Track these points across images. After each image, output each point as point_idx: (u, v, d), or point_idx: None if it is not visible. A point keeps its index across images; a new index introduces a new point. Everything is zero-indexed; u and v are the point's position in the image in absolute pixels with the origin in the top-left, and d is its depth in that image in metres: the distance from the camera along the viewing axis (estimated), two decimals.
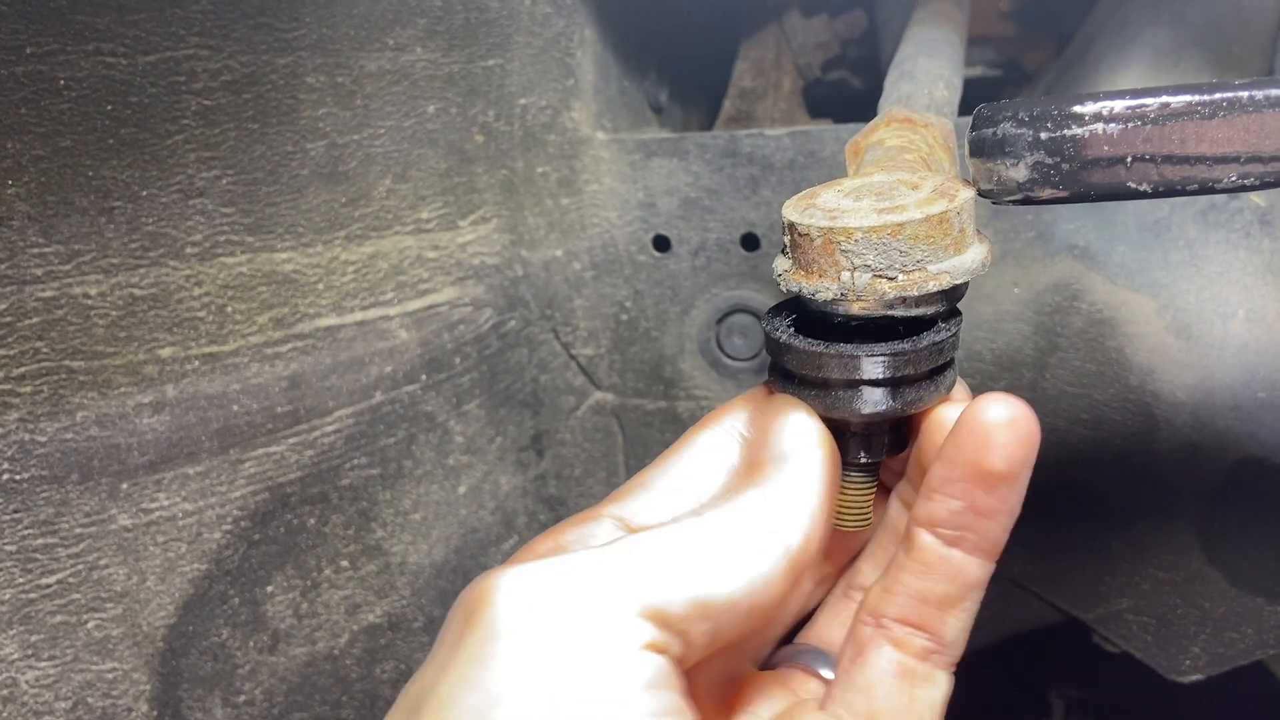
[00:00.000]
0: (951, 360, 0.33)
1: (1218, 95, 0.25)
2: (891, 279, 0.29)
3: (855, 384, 0.31)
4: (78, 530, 0.44)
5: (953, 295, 0.31)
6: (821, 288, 0.30)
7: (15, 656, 0.42)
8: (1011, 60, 0.93)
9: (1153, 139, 0.26)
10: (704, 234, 0.56)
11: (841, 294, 0.30)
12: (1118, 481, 0.50)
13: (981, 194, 0.30)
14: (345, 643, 0.53)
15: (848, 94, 0.75)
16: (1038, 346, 0.51)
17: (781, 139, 0.53)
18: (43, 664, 0.43)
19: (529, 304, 0.57)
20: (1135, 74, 0.65)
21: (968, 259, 0.30)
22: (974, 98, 0.86)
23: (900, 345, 0.30)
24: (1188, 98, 0.26)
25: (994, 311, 0.51)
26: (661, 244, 0.57)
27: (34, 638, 0.43)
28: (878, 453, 0.33)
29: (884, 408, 0.31)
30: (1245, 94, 0.25)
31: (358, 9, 0.47)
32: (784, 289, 0.31)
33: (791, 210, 0.31)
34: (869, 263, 0.29)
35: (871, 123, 0.40)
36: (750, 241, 0.55)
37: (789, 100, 0.68)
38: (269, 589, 0.50)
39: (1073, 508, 0.52)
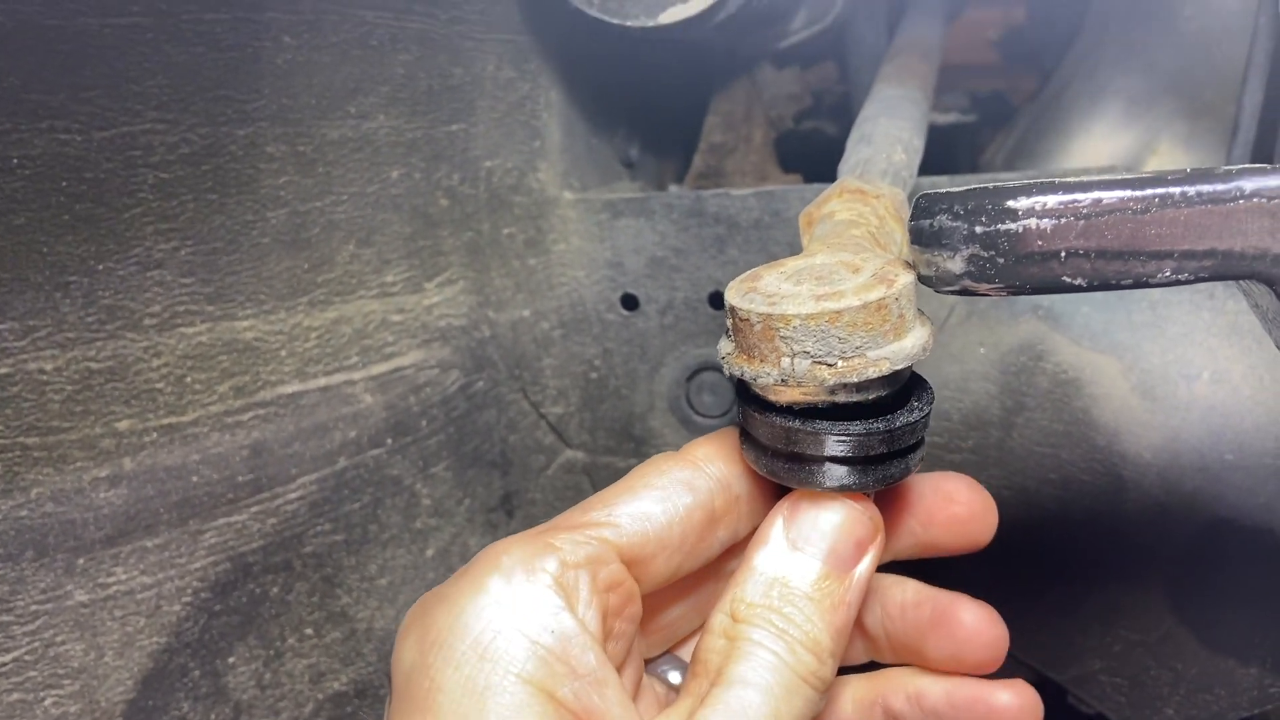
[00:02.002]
0: (922, 440, 0.32)
1: (1149, 191, 0.25)
2: (831, 365, 0.29)
3: (822, 460, 0.31)
4: (33, 607, 0.43)
5: (894, 380, 0.31)
6: (762, 373, 0.30)
7: None
8: (996, 92, 0.94)
9: (1086, 234, 0.26)
10: (671, 292, 0.56)
11: (782, 379, 0.30)
12: (1087, 541, 0.50)
13: (922, 281, 0.30)
14: (310, 712, 0.52)
15: (821, 142, 0.76)
16: (1004, 406, 0.50)
17: (748, 199, 0.53)
18: None
19: (497, 364, 0.57)
20: (1108, 121, 0.66)
21: (907, 344, 0.29)
22: (954, 142, 0.86)
23: (874, 424, 0.30)
24: (1120, 193, 0.26)
25: (961, 371, 0.51)
26: (630, 303, 0.56)
27: None
28: None
29: (850, 483, 0.31)
30: (1177, 190, 0.25)
31: (318, 78, 0.47)
32: (727, 373, 0.31)
33: (733, 294, 0.31)
34: (808, 349, 0.29)
35: (825, 192, 0.40)
36: (718, 300, 0.55)
37: (760, 153, 0.68)
38: (231, 660, 0.49)
39: (1043, 568, 0.51)
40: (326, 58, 0.47)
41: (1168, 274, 0.26)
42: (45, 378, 0.43)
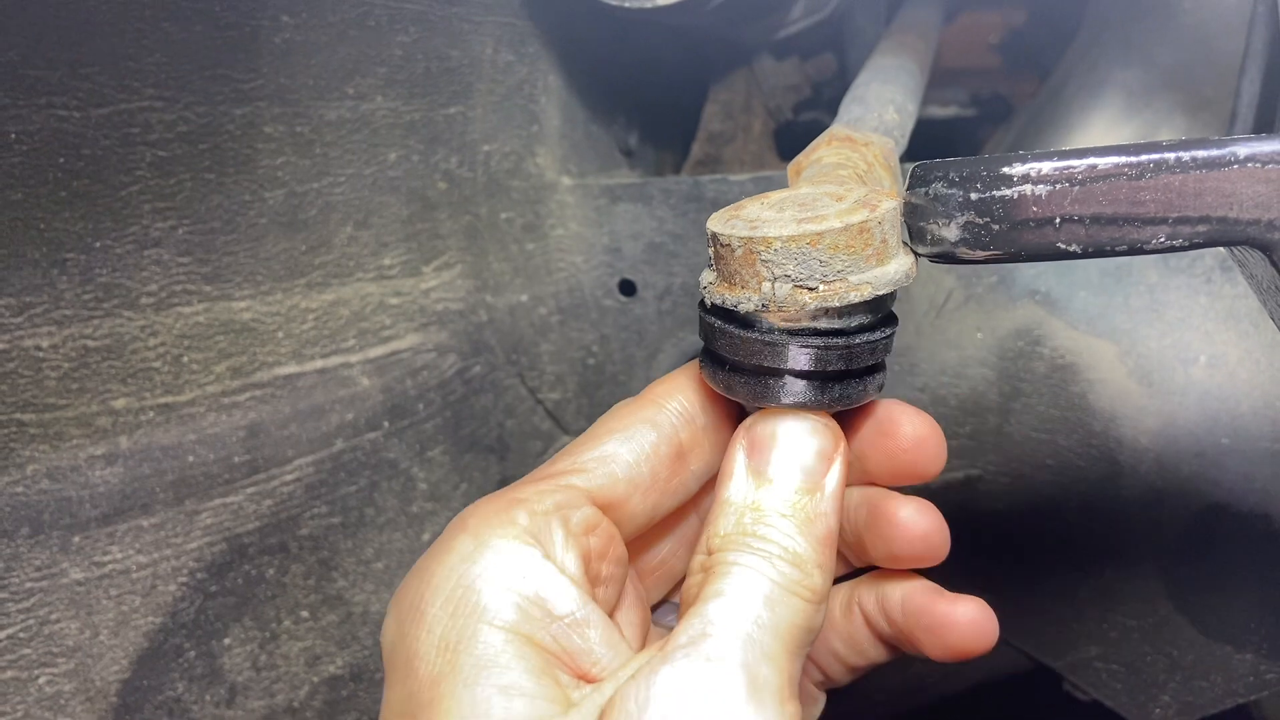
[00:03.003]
0: (882, 364, 0.32)
1: (1144, 157, 0.25)
2: (812, 289, 0.29)
3: (780, 373, 0.30)
4: (28, 584, 0.43)
5: (876, 306, 0.31)
6: (743, 299, 0.30)
7: None
8: (997, 94, 0.94)
9: (1081, 200, 0.26)
10: (669, 278, 0.56)
11: (763, 304, 0.29)
12: (1083, 527, 0.50)
13: (917, 253, 0.30)
14: (305, 695, 0.52)
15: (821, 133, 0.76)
16: (1001, 392, 0.50)
17: (745, 184, 0.53)
18: None
19: (494, 349, 0.57)
20: (1107, 115, 0.66)
21: (890, 270, 0.29)
22: (952, 137, 0.86)
23: (833, 339, 0.30)
24: (1115, 159, 0.26)
25: (958, 357, 0.51)
26: (627, 288, 0.56)
27: None
28: None
29: (806, 399, 0.30)
30: (1172, 155, 0.25)
31: (316, 59, 0.47)
32: (707, 302, 0.31)
33: (716, 222, 0.31)
34: (789, 273, 0.29)
35: (813, 142, 0.40)
36: (628, 287, 0.55)
37: (759, 143, 0.68)
38: (226, 641, 0.49)
39: (1039, 553, 0.51)
40: (324, 37, 0.47)
41: (1162, 240, 0.26)
42: (42, 354, 0.43)
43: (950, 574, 0.53)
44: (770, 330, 0.30)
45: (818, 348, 0.29)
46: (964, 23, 0.89)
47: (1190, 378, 0.46)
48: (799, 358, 0.30)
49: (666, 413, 0.33)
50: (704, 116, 0.68)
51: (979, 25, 0.90)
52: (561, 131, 0.57)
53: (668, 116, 0.71)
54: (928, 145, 0.49)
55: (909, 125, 0.45)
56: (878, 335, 0.31)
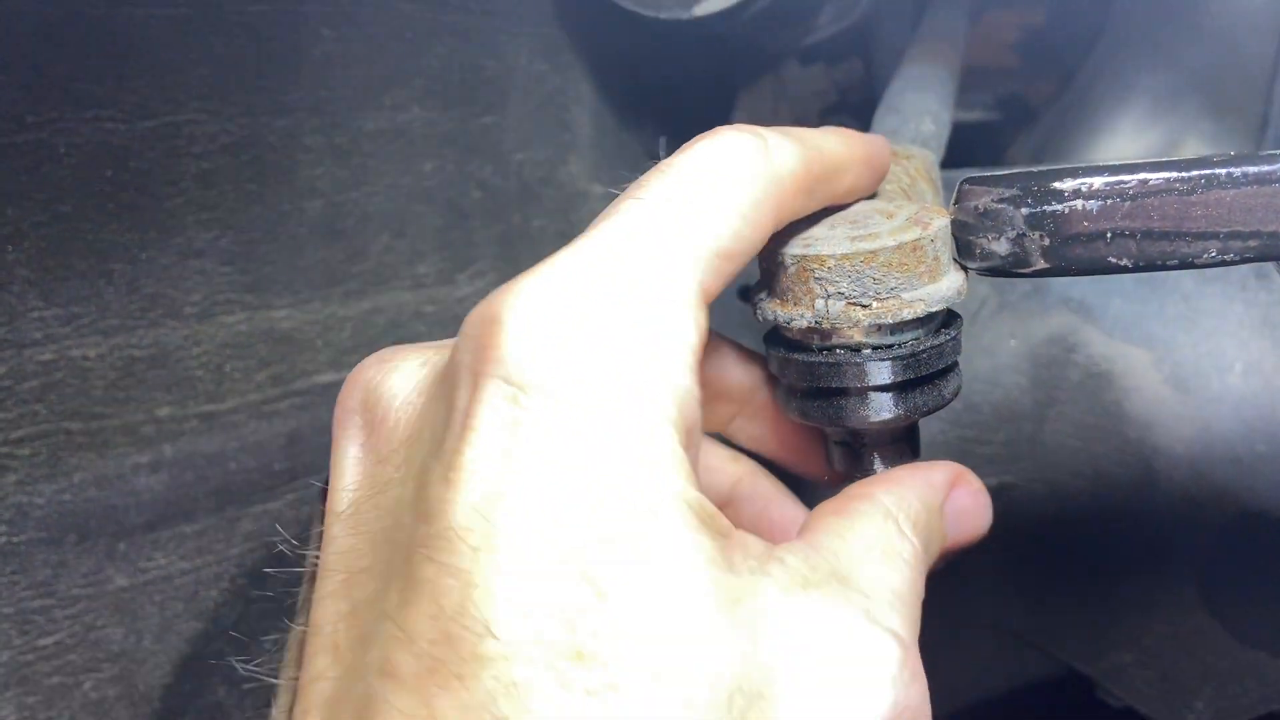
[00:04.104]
0: (955, 364, 0.33)
1: (1195, 172, 0.26)
2: (865, 306, 0.29)
3: (863, 391, 0.31)
4: (74, 591, 0.44)
5: (928, 323, 0.31)
6: (796, 315, 0.30)
7: (13, 719, 0.42)
8: (1014, 95, 0.94)
9: (1132, 215, 0.26)
10: None
11: (816, 322, 0.30)
12: (1118, 534, 0.50)
13: (965, 267, 0.30)
14: None
15: None
16: (1036, 399, 0.50)
17: None
18: None
19: None
20: (1133, 120, 0.66)
21: (942, 287, 0.30)
22: (976, 142, 0.86)
23: (904, 349, 0.30)
24: (1166, 174, 0.26)
25: (991, 364, 0.51)
26: None
27: (30, 699, 0.43)
28: (893, 464, 0.33)
29: (890, 415, 0.31)
30: (1223, 171, 0.26)
31: (355, 71, 0.48)
32: (760, 318, 0.32)
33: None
34: (843, 290, 0.29)
35: None
36: (746, 293, 0.55)
37: None
38: (267, 647, 0.50)
39: (1073, 560, 0.52)
40: (363, 50, 0.47)
41: (1213, 255, 0.26)
42: (89, 364, 0.43)
43: (982, 581, 0.53)
44: (839, 349, 0.30)
45: (895, 358, 0.30)
46: (982, 23, 0.89)
47: (1226, 385, 0.47)
48: (880, 371, 0.30)
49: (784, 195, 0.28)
50: (731, 123, 0.69)
51: (996, 25, 0.90)
52: (593, 140, 0.57)
53: (695, 123, 0.71)
54: (949, 147, 0.50)
55: (945, 135, 0.46)
56: (947, 336, 0.31)
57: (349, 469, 0.28)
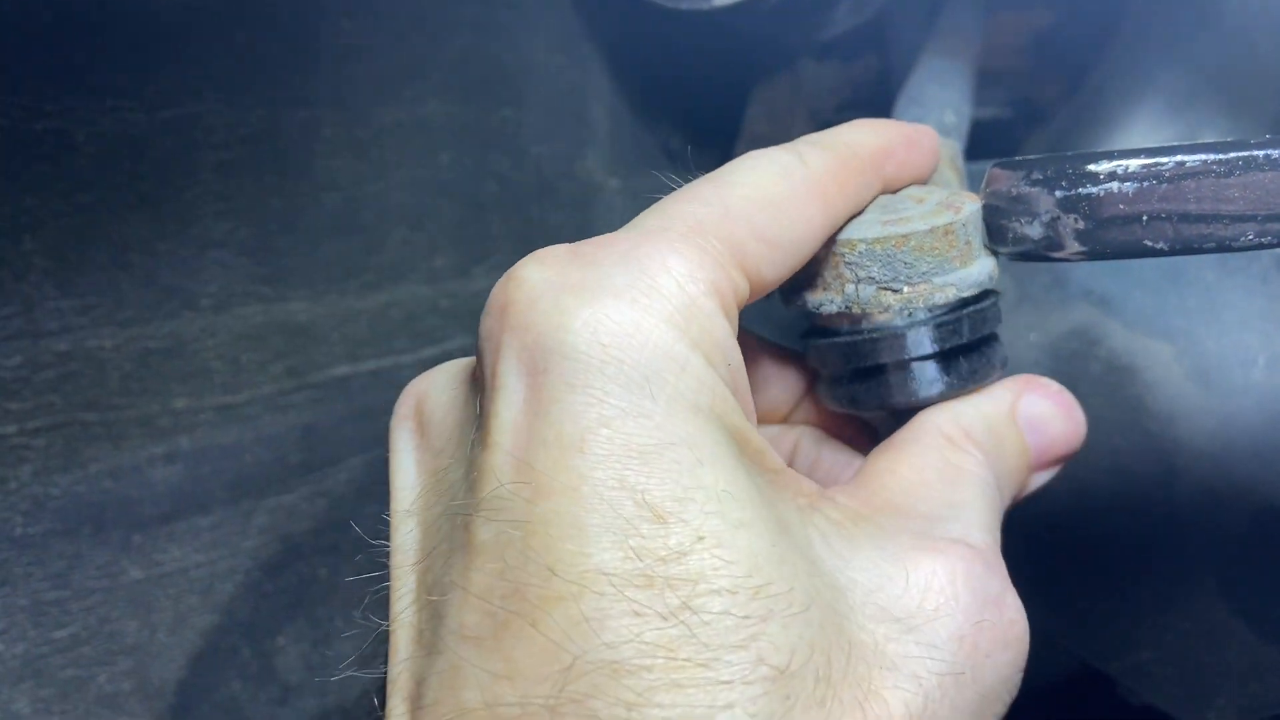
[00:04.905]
0: (996, 335, 0.32)
1: (1233, 154, 0.25)
2: (896, 291, 0.29)
3: (906, 364, 0.30)
4: (89, 583, 0.44)
5: (960, 308, 0.31)
6: (826, 300, 0.30)
7: (27, 712, 0.42)
8: (1024, 97, 0.94)
9: (1169, 198, 0.26)
10: None
11: (846, 307, 0.30)
12: (1138, 530, 0.50)
13: (997, 252, 0.30)
14: (357, 695, 0.52)
15: None
16: None
17: None
18: (53, 719, 0.43)
19: None
20: (1149, 117, 0.65)
21: (974, 271, 0.30)
22: (989, 139, 0.86)
23: (944, 319, 0.30)
24: (1203, 156, 0.26)
25: (1011, 358, 0.51)
26: None
27: (45, 692, 0.43)
28: None
29: (941, 386, 0.30)
30: (1261, 153, 0.25)
31: (375, 63, 0.48)
32: (786, 305, 0.32)
33: None
34: (873, 275, 0.29)
35: None
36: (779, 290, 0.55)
37: None
38: (280, 641, 0.49)
39: (1094, 556, 0.51)
40: (382, 42, 0.47)
41: (1250, 238, 0.26)
42: (105, 355, 0.43)
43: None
44: (878, 326, 0.30)
45: (938, 325, 0.30)
46: (995, 23, 0.88)
47: (1248, 379, 0.46)
48: (921, 341, 0.30)
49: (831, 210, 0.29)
50: (746, 119, 0.69)
51: (1007, 26, 0.90)
52: (610, 134, 0.57)
53: (711, 118, 0.71)
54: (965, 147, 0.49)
55: (966, 127, 0.46)
56: (988, 303, 0.31)
57: (407, 469, 0.29)
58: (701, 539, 0.21)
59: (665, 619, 0.20)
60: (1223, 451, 0.47)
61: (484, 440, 0.23)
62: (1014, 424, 0.31)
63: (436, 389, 0.28)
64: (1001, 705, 0.26)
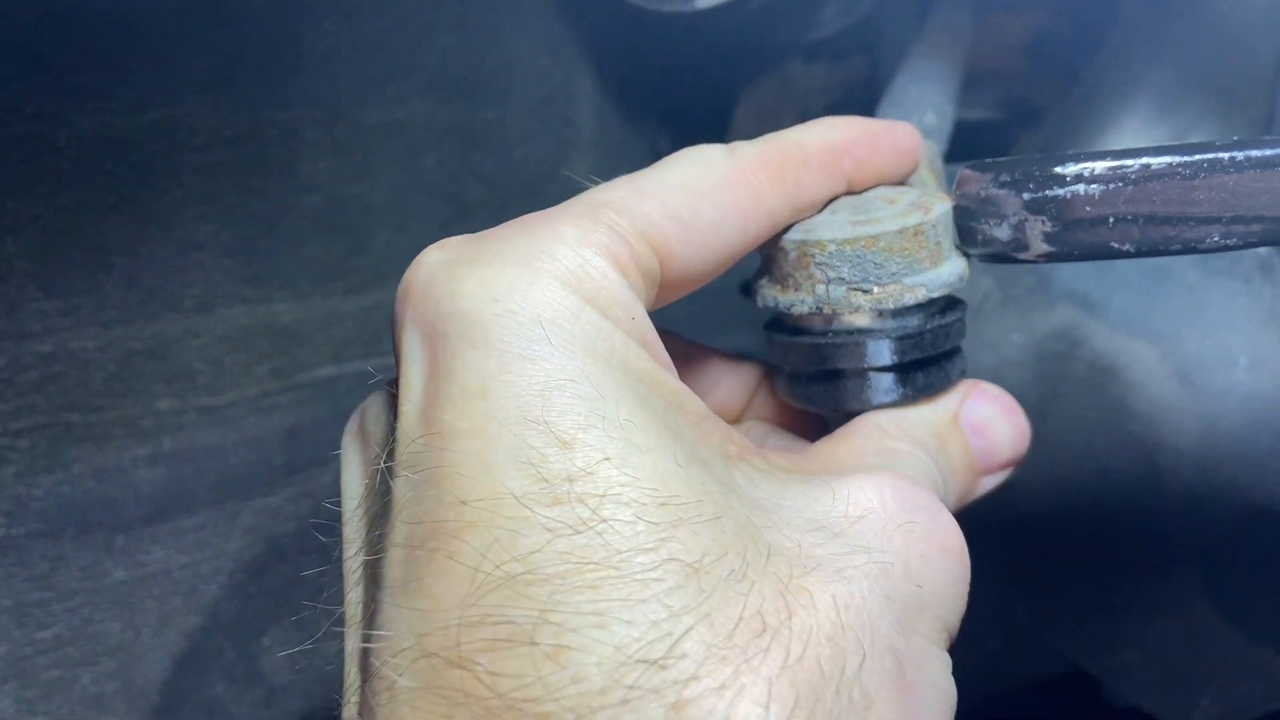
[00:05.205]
0: (958, 349, 0.33)
1: (1198, 156, 0.25)
2: (866, 292, 0.29)
3: (864, 372, 0.31)
4: (73, 584, 0.44)
5: (929, 309, 0.31)
6: (796, 301, 0.30)
7: (10, 712, 0.42)
8: (1020, 98, 0.94)
9: (1134, 200, 0.26)
10: None
11: (817, 307, 0.30)
12: (1122, 531, 0.50)
13: (967, 254, 0.30)
14: (343, 698, 0.52)
15: None
16: (1040, 394, 0.50)
17: None
18: (37, 719, 0.43)
19: None
20: (1139, 115, 0.65)
21: (944, 272, 0.30)
22: (981, 141, 0.86)
23: (907, 330, 0.30)
24: (1169, 159, 0.26)
25: (995, 358, 0.51)
26: None
27: (28, 693, 0.43)
28: None
29: (895, 396, 0.31)
30: (1226, 155, 0.25)
31: (357, 64, 0.48)
32: (759, 304, 0.32)
33: None
34: (844, 276, 0.29)
35: None
36: (747, 288, 0.55)
37: None
38: (265, 642, 0.49)
39: (1078, 557, 0.51)
40: (365, 43, 0.47)
41: (1216, 239, 0.26)
42: (87, 356, 0.43)
43: (987, 578, 0.52)
44: (842, 331, 0.30)
45: (897, 338, 0.30)
46: (986, 25, 0.88)
47: (1231, 380, 0.46)
48: (880, 351, 0.30)
49: (761, 211, 0.29)
50: (734, 119, 0.69)
51: (1002, 27, 0.89)
52: (595, 136, 0.57)
53: (698, 120, 0.71)
54: (954, 148, 0.49)
55: (947, 129, 0.45)
56: (953, 318, 0.31)
57: (353, 474, 0.30)
58: (608, 459, 0.22)
59: (576, 530, 0.21)
60: (1206, 452, 0.47)
61: (398, 411, 0.24)
62: (957, 427, 0.31)
63: (377, 403, 0.29)
64: (946, 613, 0.25)
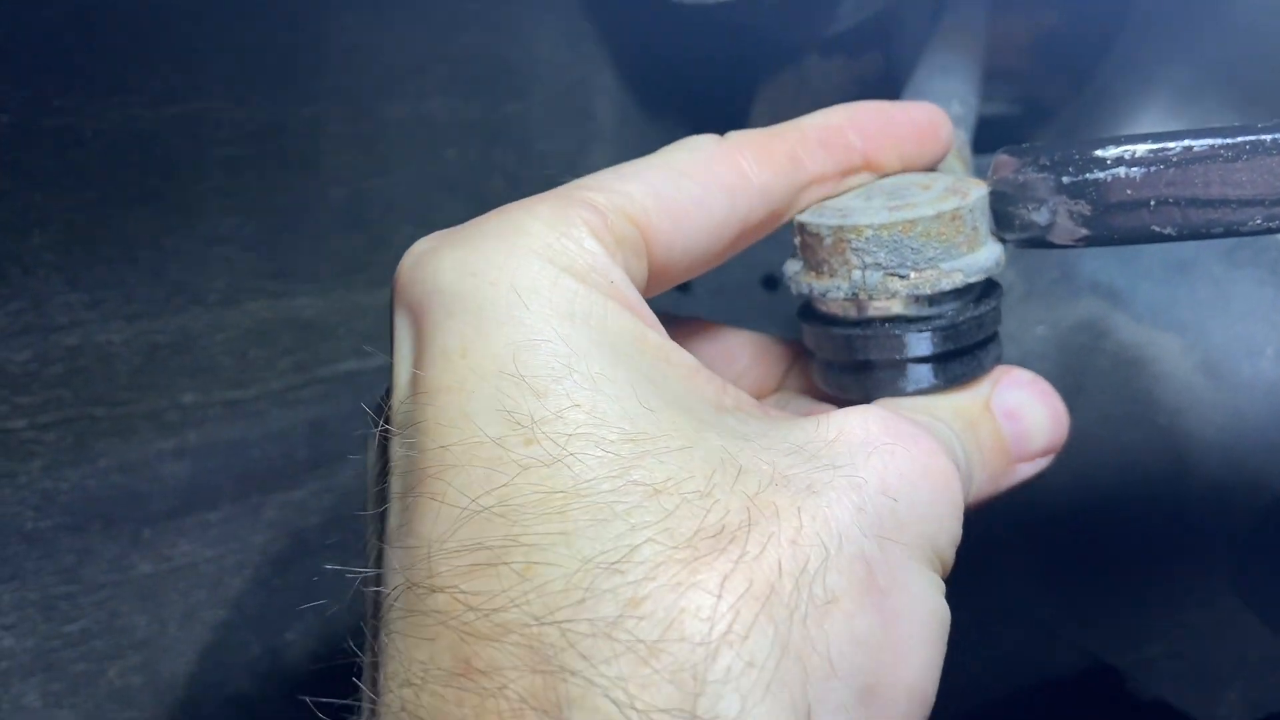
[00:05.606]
0: (995, 335, 0.32)
1: (1241, 139, 0.25)
2: (903, 277, 0.29)
3: (897, 363, 0.30)
4: (99, 578, 0.44)
5: (966, 294, 0.31)
6: (832, 287, 0.30)
7: (37, 705, 0.42)
8: (1031, 94, 0.93)
9: (1176, 182, 0.26)
10: (723, 275, 0.56)
11: (853, 293, 0.30)
12: (1148, 524, 0.50)
13: (1003, 239, 0.30)
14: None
15: None
16: (1064, 387, 0.50)
17: None
18: (64, 713, 0.43)
19: None
20: (1155, 111, 0.65)
21: (981, 257, 0.30)
22: (995, 136, 0.86)
23: (941, 320, 0.30)
24: (1211, 141, 0.25)
25: (1019, 352, 0.51)
26: (681, 285, 0.57)
27: (55, 686, 0.43)
28: None
29: (928, 384, 0.30)
30: (1269, 137, 0.25)
31: (381, 58, 0.48)
32: (794, 291, 0.31)
33: (804, 212, 0.31)
34: (880, 261, 0.29)
35: None
36: (771, 282, 0.55)
37: None
38: (288, 636, 0.49)
39: (1102, 551, 0.51)
40: (388, 37, 0.47)
41: (1259, 221, 0.26)
42: (113, 349, 0.43)
43: (1011, 571, 0.52)
44: (875, 321, 0.30)
45: (935, 329, 0.30)
46: (998, 20, 0.88)
47: (1258, 370, 0.46)
48: (915, 343, 0.30)
49: (749, 191, 0.29)
50: (752, 115, 0.69)
51: (1013, 22, 0.89)
52: (616, 130, 0.57)
53: (716, 114, 0.71)
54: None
55: (972, 120, 0.45)
56: (987, 307, 0.31)
57: (372, 455, 0.30)
58: (578, 405, 0.23)
59: (545, 465, 0.22)
60: (1232, 443, 0.47)
61: (392, 382, 0.26)
62: (989, 412, 0.31)
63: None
64: (930, 531, 0.25)
